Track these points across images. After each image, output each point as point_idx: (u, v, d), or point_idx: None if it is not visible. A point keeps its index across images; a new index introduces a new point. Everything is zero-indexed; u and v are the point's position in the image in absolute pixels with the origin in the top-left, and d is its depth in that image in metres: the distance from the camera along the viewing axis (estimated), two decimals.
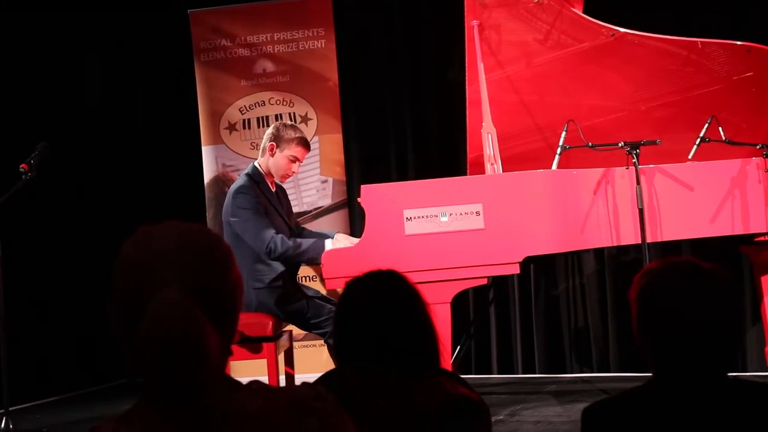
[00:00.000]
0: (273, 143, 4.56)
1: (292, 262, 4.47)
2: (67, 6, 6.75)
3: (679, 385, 1.71)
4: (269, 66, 6.42)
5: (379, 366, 2.00)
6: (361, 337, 2.03)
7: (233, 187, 4.56)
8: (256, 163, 4.63)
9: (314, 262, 4.47)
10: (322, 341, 5.35)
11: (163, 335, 1.25)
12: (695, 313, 1.69)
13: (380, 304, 2.04)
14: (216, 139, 6.42)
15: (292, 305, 4.46)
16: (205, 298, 1.31)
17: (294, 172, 4.68)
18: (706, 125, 4.59)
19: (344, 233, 5.31)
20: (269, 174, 4.61)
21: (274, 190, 4.66)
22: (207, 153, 6.43)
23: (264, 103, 6.41)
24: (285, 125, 4.65)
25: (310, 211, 6.26)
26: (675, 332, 1.70)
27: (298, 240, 4.43)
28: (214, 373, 1.30)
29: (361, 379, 1.98)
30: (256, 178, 4.55)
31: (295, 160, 4.60)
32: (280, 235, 4.37)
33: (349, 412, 1.42)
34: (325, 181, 6.31)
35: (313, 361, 5.90)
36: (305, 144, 4.63)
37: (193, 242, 1.38)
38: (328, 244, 4.35)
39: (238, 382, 1.37)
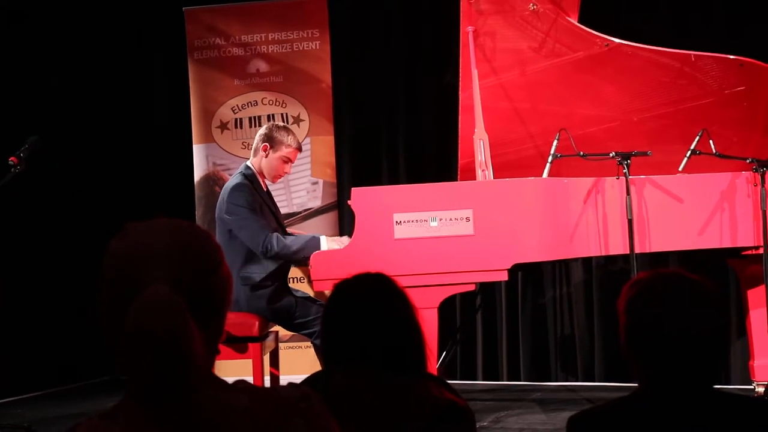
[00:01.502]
0: (266, 144, 4.57)
1: (287, 261, 4.47)
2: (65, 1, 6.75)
3: (665, 396, 1.72)
4: (263, 66, 6.42)
5: (366, 368, 2.00)
6: (348, 339, 2.03)
7: (228, 184, 4.57)
8: (248, 163, 4.63)
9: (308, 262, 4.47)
10: (308, 343, 5.35)
11: (149, 330, 1.24)
12: (683, 325, 1.70)
13: (368, 307, 2.04)
14: (207, 138, 6.41)
15: (281, 301, 4.47)
16: (193, 294, 1.31)
17: (286, 173, 4.70)
18: (697, 138, 4.60)
19: (332, 235, 5.31)
20: (261, 174, 4.62)
21: (266, 190, 4.67)
22: (198, 151, 6.42)
23: (257, 102, 6.41)
24: (278, 126, 4.66)
25: (300, 213, 6.25)
26: (662, 343, 1.70)
27: (294, 238, 4.43)
28: (200, 371, 1.29)
29: (347, 381, 1.98)
30: (250, 177, 4.55)
31: (288, 161, 4.62)
32: (275, 234, 4.38)
33: (335, 413, 1.41)
34: (315, 183, 6.31)
35: (298, 363, 5.89)
36: (298, 145, 4.66)
37: (183, 239, 1.37)
38: (323, 243, 4.35)
39: (225, 382, 1.36)
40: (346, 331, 2.04)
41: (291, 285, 4.82)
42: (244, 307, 4.39)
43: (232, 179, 4.60)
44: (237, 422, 1.29)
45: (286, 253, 4.37)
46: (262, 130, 4.65)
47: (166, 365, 1.24)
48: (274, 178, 4.67)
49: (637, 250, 4.36)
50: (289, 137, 4.60)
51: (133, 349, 1.24)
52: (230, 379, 1.39)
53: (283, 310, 4.46)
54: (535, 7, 4.67)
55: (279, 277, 4.53)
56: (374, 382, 1.98)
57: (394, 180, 6.43)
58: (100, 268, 1.36)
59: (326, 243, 4.36)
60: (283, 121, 6.26)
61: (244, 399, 1.32)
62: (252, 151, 4.67)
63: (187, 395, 1.28)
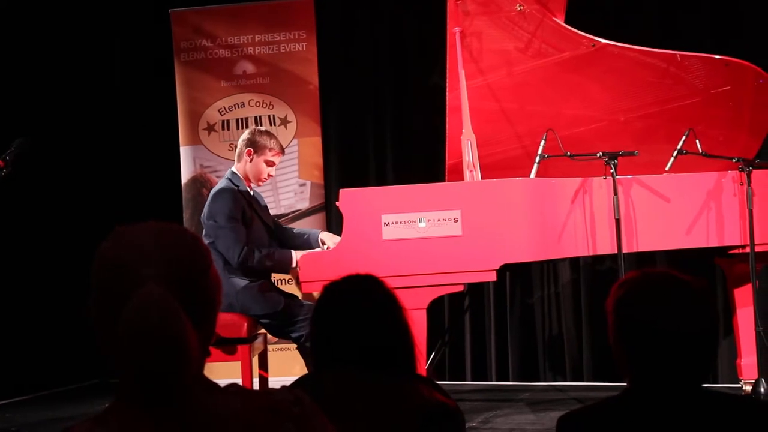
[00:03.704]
0: (250, 148, 4.61)
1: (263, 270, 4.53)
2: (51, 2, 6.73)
3: (655, 396, 1.72)
4: (250, 67, 6.41)
5: (356, 370, 2.00)
6: (338, 341, 2.03)
7: (214, 189, 4.60)
8: (234, 169, 4.66)
9: (284, 272, 4.61)
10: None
11: (144, 329, 1.23)
12: (672, 325, 1.70)
13: (358, 309, 2.04)
14: (194, 140, 6.40)
15: (271, 292, 4.50)
16: (184, 296, 1.30)
17: (271, 176, 4.72)
18: (684, 137, 4.63)
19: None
20: (247, 178, 4.65)
21: (252, 194, 4.69)
22: (185, 153, 6.41)
23: (244, 104, 6.40)
24: (259, 131, 4.72)
25: (288, 214, 6.25)
26: (651, 343, 1.71)
27: (268, 251, 4.47)
28: (194, 373, 1.29)
29: (337, 383, 1.98)
30: (236, 182, 4.58)
31: (272, 164, 4.66)
32: (249, 248, 4.40)
33: (326, 415, 1.42)
34: (303, 185, 6.30)
35: (287, 365, 5.88)
36: (280, 148, 4.72)
37: (172, 240, 1.37)
38: (295, 256, 4.43)
39: (217, 384, 1.36)
40: (336, 332, 2.04)
41: (278, 287, 4.83)
42: (233, 300, 4.39)
43: (218, 184, 4.64)
44: (230, 426, 1.29)
45: (261, 267, 4.47)
46: (244, 135, 4.69)
47: (162, 363, 1.23)
48: (259, 181, 4.70)
49: (624, 250, 4.37)
50: (272, 141, 4.65)
51: (128, 348, 1.24)
52: (220, 382, 1.39)
53: (274, 301, 4.47)
54: (521, 7, 4.68)
55: (263, 276, 4.55)
56: (364, 383, 1.98)
57: (381, 181, 6.44)
58: (91, 271, 1.35)
59: (297, 256, 4.44)
60: (271, 123, 6.27)
61: (237, 402, 1.32)
62: (236, 156, 4.71)
63: (181, 397, 1.28)
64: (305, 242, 4.75)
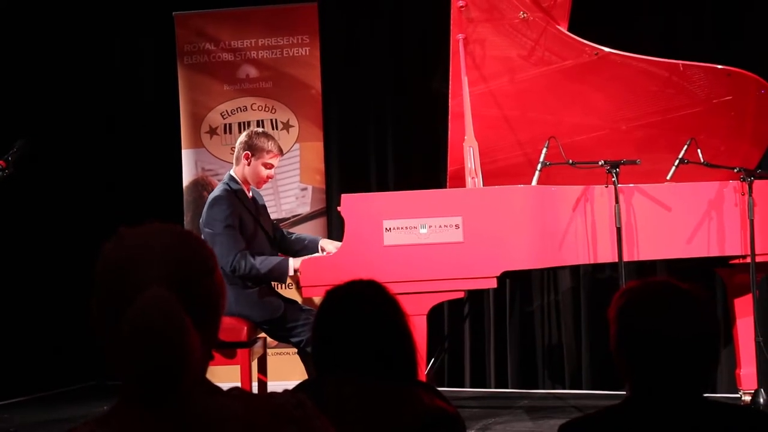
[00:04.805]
0: (248, 152, 4.57)
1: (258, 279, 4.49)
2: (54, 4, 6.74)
3: (656, 405, 1.72)
4: (252, 71, 6.41)
5: (357, 375, 2.00)
6: (340, 347, 2.03)
7: (211, 195, 4.57)
8: (232, 172, 4.63)
9: (280, 281, 4.54)
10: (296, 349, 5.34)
11: (147, 331, 1.23)
12: (673, 333, 1.71)
13: (361, 314, 2.04)
14: (196, 143, 6.40)
15: (271, 298, 4.48)
16: (188, 298, 1.30)
17: (270, 178, 4.69)
18: (686, 147, 4.64)
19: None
20: (246, 182, 4.62)
21: (251, 196, 4.66)
22: (187, 156, 6.41)
23: (246, 108, 6.40)
24: (257, 133, 4.67)
25: (289, 219, 6.25)
26: (653, 352, 1.71)
27: (263, 260, 4.42)
28: (196, 376, 1.29)
29: (338, 389, 1.98)
30: (233, 187, 4.55)
31: (270, 166, 4.62)
32: (245, 253, 4.37)
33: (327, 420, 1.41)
34: (304, 189, 6.30)
35: (286, 369, 5.87)
36: (279, 150, 4.67)
37: (176, 242, 1.37)
38: (291, 268, 4.37)
39: (219, 387, 1.36)
40: (338, 338, 2.04)
41: (278, 291, 4.83)
42: (233, 306, 4.37)
43: (215, 190, 4.60)
44: (231, 428, 1.29)
45: (255, 275, 4.40)
46: (241, 138, 4.64)
47: (164, 365, 1.23)
48: (259, 184, 4.67)
49: (625, 259, 4.37)
50: (270, 143, 4.60)
51: (131, 350, 1.23)
52: (220, 386, 1.38)
53: (273, 307, 4.46)
54: (525, 15, 4.69)
55: (262, 281, 4.53)
56: (365, 388, 1.98)
57: (383, 186, 6.44)
58: (94, 272, 1.35)
59: (294, 267, 4.38)
60: (273, 127, 6.27)
61: (239, 405, 1.32)
62: (234, 160, 4.67)
63: (183, 400, 1.28)
64: (304, 248, 4.73)
